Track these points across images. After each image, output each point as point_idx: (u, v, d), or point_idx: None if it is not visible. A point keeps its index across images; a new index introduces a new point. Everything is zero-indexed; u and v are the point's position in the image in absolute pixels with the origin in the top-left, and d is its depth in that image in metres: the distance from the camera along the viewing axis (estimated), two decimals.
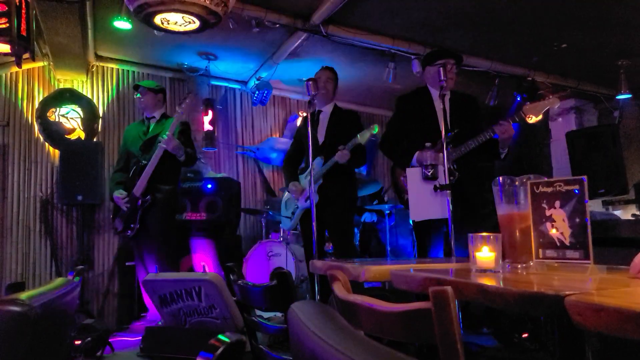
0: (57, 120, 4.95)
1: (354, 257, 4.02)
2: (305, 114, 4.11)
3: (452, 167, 3.08)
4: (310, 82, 3.24)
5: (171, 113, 4.21)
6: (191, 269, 4.64)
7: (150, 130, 4.06)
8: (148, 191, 3.84)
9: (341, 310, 1.06)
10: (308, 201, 3.45)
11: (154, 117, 4.11)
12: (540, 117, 2.98)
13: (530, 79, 5.43)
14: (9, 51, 3.07)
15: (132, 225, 3.86)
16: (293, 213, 3.78)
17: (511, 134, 3.03)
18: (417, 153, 3.22)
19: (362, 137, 3.43)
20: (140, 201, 3.83)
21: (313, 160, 3.51)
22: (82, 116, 5.05)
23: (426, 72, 3.41)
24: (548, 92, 5.46)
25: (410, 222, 3.22)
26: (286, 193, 3.91)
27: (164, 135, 3.79)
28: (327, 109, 3.79)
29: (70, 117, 5.00)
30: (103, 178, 4.80)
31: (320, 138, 3.71)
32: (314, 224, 3.18)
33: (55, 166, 4.93)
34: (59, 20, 3.80)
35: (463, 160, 3.15)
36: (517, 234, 1.32)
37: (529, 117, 2.99)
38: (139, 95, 4.08)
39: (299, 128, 4.09)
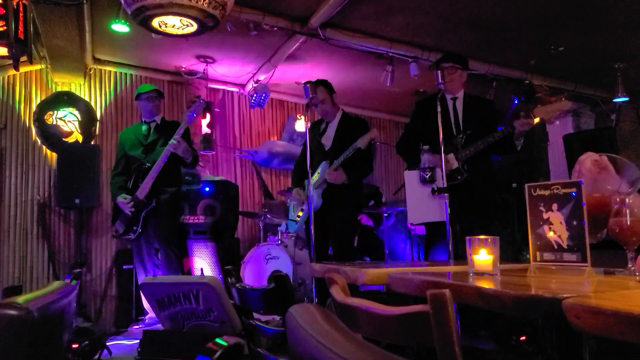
0: (54, 123, 4.94)
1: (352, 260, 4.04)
2: (304, 117, 4.14)
3: (462, 167, 3.13)
4: (308, 85, 3.24)
5: (168, 117, 4.22)
6: (189, 272, 4.63)
7: (151, 133, 4.08)
8: (152, 194, 3.87)
9: (339, 313, 1.06)
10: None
11: (154, 121, 4.14)
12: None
13: (527, 82, 5.44)
14: (7, 54, 3.06)
15: (134, 228, 3.86)
16: (299, 217, 3.86)
17: (532, 124, 3.08)
18: (425, 154, 3.27)
19: (362, 142, 3.45)
20: (144, 204, 3.85)
21: (319, 165, 3.64)
22: (79, 119, 5.04)
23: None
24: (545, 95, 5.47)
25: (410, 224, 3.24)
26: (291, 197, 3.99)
27: (174, 140, 3.85)
28: (335, 119, 3.83)
29: (67, 120, 4.99)
30: (101, 181, 4.79)
31: (327, 144, 3.76)
32: (312, 227, 3.19)
33: (53, 169, 4.91)
34: (57, 23, 3.80)
35: (474, 161, 3.18)
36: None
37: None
38: (153, 99, 4.09)
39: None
